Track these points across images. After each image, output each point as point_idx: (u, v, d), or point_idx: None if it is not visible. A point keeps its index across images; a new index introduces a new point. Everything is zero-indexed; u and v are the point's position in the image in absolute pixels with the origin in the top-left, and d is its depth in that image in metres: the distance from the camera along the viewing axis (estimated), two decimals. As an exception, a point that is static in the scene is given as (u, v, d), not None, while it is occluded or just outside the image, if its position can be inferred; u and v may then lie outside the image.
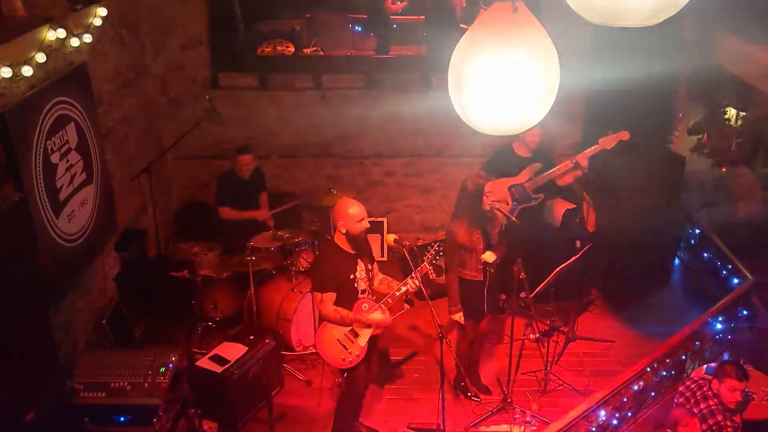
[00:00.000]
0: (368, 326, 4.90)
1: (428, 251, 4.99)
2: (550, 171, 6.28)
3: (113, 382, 4.84)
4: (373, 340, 4.97)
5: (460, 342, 5.65)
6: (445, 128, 7.43)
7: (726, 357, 5.64)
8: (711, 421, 4.53)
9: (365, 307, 4.88)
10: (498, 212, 5.33)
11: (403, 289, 4.91)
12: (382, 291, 5.03)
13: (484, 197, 5.18)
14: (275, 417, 5.46)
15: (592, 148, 6.16)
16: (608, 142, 6.12)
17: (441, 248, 5.01)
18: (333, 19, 8.56)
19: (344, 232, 4.77)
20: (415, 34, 8.31)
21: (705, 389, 4.66)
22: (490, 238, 5.36)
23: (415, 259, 4.89)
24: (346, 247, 4.82)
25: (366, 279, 4.92)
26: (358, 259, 4.88)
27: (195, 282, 6.16)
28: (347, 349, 4.86)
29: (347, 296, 4.84)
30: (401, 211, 7.97)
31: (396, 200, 7.91)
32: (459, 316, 5.38)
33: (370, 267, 4.98)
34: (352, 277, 4.83)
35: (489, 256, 5.22)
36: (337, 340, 4.86)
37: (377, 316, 4.88)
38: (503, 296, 6.42)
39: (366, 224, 4.80)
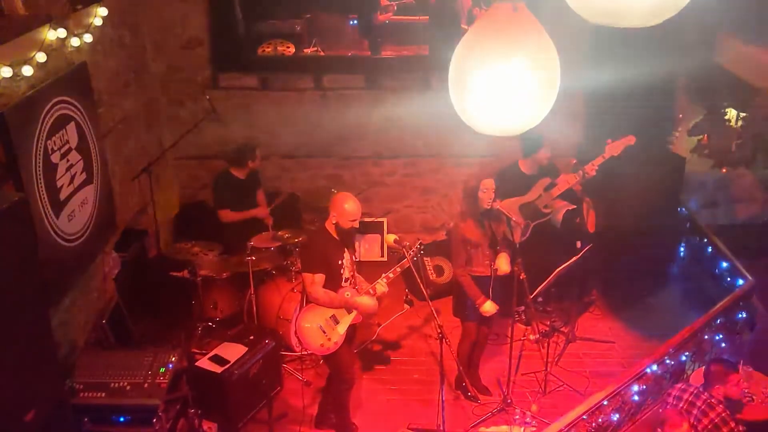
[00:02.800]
0: (350, 312, 4.99)
1: (411, 248, 5.05)
2: (559, 186, 6.14)
3: (113, 382, 4.84)
4: (351, 329, 5.06)
5: (461, 343, 5.65)
6: (445, 129, 7.40)
7: (726, 358, 5.62)
8: (725, 430, 4.43)
9: (347, 294, 4.96)
10: (501, 211, 5.29)
11: (385, 281, 5.07)
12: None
13: (480, 193, 5.18)
14: (275, 417, 5.46)
15: (600, 156, 6.03)
16: (615, 148, 6.00)
17: (422, 246, 5.13)
18: (333, 19, 8.56)
19: (334, 222, 4.88)
20: (415, 34, 8.31)
21: (705, 398, 4.46)
22: (496, 235, 5.37)
23: (414, 259, 4.92)
24: (335, 234, 4.92)
25: (351, 268, 5.02)
26: (345, 248, 4.98)
27: (195, 282, 6.16)
28: (326, 335, 4.93)
29: (332, 282, 4.92)
30: (401, 212, 7.97)
31: (396, 200, 7.91)
32: (489, 305, 5.33)
33: (355, 258, 5.12)
34: (339, 263, 4.92)
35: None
36: (319, 326, 4.93)
37: (366, 300, 4.96)
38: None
39: (356, 225, 4.90)
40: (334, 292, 4.90)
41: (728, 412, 4.43)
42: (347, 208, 4.84)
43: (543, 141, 6.05)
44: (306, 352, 6.15)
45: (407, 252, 4.98)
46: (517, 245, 5.42)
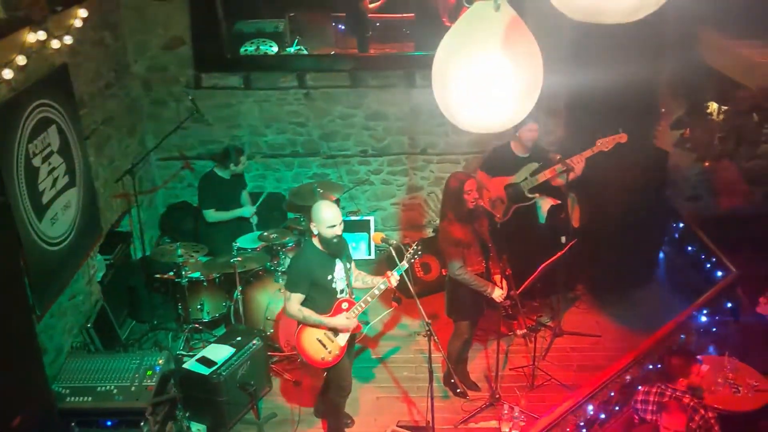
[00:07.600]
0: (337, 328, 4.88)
1: (407, 250, 4.99)
2: (546, 172, 6.14)
3: (99, 386, 4.82)
4: (352, 338, 5.00)
5: (452, 341, 5.65)
6: (430, 126, 7.44)
7: (711, 350, 5.68)
8: (696, 417, 4.46)
9: (345, 306, 4.88)
10: (485, 208, 5.32)
11: (383, 287, 4.88)
12: (358, 287, 5.04)
13: (465, 195, 5.18)
14: (264, 418, 5.46)
15: (589, 150, 6.01)
16: (606, 144, 5.98)
17: (419, 247, 5.00)
18: (316, 17, 8.56)
19: (315, 233, 4.76)
20: (400, 32, 8.33)
21: (670, 393, 4.47)
22: (481, 234, 5.38)
23: (401, 257, 4.90)
24: (322, 248, 4.80)
25: (346, 279, 4.92)
26: (337, 259, 4.87)
27: (181, 284, 6.13)
28: (326, 348, 4.87)
29: (325, 296, 4.84)
30: (387, 210, 7.97)
31: (382, 198, 7.91)
32: (499, 292, 5.31)
33: (348, 266, 4.96)
34: (329, 277, 4.81)
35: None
36: (317, 339, 4.86)
37: (340, 320, 4.84)
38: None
39: (337, 231, 4.71)
40: (308, 310, 4.78)
41: (696, 400, 4.46)
42: (324, 215, 4.66)
43: (528, 119, 6.01)
44: (294, 353, 6.14)
45: (408, 250, 4.90)
46: (498, 225, 5.41)
